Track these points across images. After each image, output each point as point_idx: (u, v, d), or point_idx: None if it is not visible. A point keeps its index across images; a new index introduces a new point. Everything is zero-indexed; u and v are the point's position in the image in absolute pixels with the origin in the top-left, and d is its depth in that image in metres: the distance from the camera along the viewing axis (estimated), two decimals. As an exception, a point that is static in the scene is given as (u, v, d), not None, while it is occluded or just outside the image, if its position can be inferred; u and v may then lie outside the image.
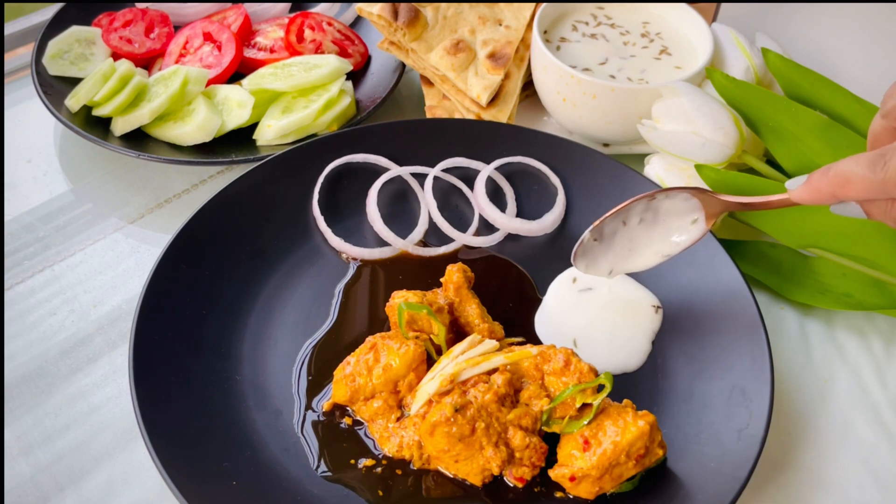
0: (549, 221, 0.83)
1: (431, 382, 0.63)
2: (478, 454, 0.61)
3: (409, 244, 0.82)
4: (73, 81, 0.97)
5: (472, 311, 0.72)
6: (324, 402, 0.68)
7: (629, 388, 0.70)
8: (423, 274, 0.80)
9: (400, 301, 0.68)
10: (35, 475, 0.66)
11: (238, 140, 0.92)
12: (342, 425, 0.67)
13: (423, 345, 0.66)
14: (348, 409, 0.68)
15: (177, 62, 0.99)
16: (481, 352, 0.65)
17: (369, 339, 0.68)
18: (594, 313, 0.76)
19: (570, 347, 0.70)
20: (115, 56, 1.00)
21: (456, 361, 0.64)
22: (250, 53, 1.01)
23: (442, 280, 0.74)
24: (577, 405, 0.63)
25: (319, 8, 1.10)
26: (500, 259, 0.82)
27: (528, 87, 1.00)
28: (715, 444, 0.64)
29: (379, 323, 0.75)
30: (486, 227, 0.85)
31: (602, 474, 0.60)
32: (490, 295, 0.76)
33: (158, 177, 0.92)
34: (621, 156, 0.94)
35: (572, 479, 0.61)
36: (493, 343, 0.66)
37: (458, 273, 0.73)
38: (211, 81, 0.95)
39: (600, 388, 0.62)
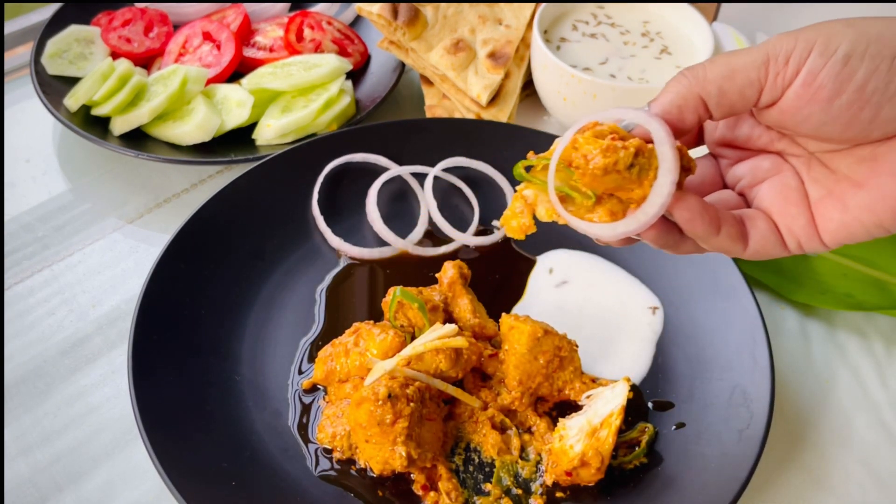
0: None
1: (389, 360, 0.63)
2: (387, 446, 0.61)
3: (408, 244, 0.81)
4: (72, 81, 0.96)
5: (465, 305, 0.72)
6: (320, 400, 0.68)
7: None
8: (422, 273, 0.80)
9: (395, 289, 0.68)
10: (34, 476, 0.66)
11: (237, 139, 0.92)
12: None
13: (403, 335, 0.66)
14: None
15: (176, 61, 0.99)
16: (439, 335, 0.65)
17: (356, 324, 0.69)
18: (578, 313, 0.76)
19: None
20: (115, 55, 1.00)
21: (413, 346, 0.64)
22: (249, 53, 1.01)
23: (437, 276, 0.74)
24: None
25: (319, 7, 1.10)
26: (500, 258, 0.82)
27: (528, 86, 0.99)
28: (716, 444, 0.64)
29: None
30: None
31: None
32: (489, 293, 0.76)
33: (157, 176, 0.92)
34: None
35: (568, 473, 0.61)
36: (452, 327, 0.65)
37: (453, 269, 0.73)
38: (210, 81, 0.95)
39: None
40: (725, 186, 0.52)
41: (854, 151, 0.45)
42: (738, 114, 0.47)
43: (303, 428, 0.66)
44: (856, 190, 0.45)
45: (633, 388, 0.70)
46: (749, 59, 0.43)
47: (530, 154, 0.49)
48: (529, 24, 0.97)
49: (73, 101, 0.92)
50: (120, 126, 0.90)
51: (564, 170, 0.46)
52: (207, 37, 1.00)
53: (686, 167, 0.46)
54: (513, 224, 0.50)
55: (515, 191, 0.50)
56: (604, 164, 0.43)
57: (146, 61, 1.01)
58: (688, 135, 0.50)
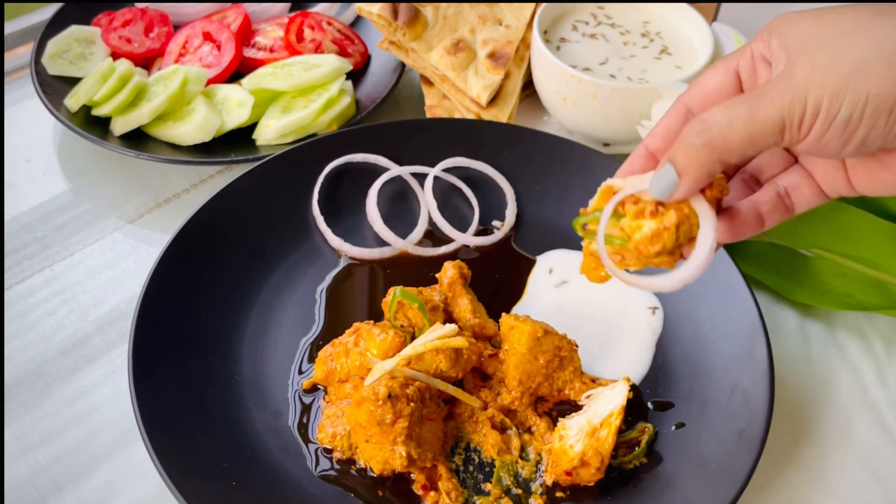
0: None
1: (389, 360, 0.64)
2: (387, 445, 0.60)
3: (408, 244, 0.81)
4: (73, 81, 0.97)
5: (465, 305, 0.72)
6: (320, 400, 0.68)
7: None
8: (422, 273, 0.80)
9: (395, 289, 0.68)
10: (34, 476, 0.66)
11: (237, 140, 0.92)
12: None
13: (403, 335, 0.66)
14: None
15: (176, 62, 0.99)
16: (439, 335, 0.65)
17: (356, 324, 0.69)
18: (578, 313, 0.76)
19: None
20: (115, 55, 1.00)
21: (413, 346, 0.64)
22: (250, 53, 1.01)
23: (437, 276, 0.74)
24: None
25: (319, 7, 1.10)
26: (500, 258, 0.82)
27: (528, 86, 0.99)
28: (715, 444, 0.64)
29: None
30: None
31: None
32: (489, 293, 0.77)
33: (158, 176, 0.92)
34: (621, 156, 0.94)
35: (568, 473, 0.61)
36: (452, 327, 0.65)
37: (453, 269, 0.73)
38: (210, 81, 0.95)
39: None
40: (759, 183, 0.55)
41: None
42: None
43: (303, 428, 0.66)
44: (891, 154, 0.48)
45: (633, 388, 0.70)
46: (767, 127, 0.45)
47: (582, 210, 0.53)
48: (529, 25, 0.97)
49: (73, 101, 0.92)
50: (120, 126, 0.90)
51: (613, 242, 0.50)
52: (208, 37, 1.00)
53: (720, 190, 0.50)
54: (592, 276, 0.55)
55: (581, 247, 0.54)
56: (655, 252, 0.48)
57: (146, 61, 1.01)
58: None
